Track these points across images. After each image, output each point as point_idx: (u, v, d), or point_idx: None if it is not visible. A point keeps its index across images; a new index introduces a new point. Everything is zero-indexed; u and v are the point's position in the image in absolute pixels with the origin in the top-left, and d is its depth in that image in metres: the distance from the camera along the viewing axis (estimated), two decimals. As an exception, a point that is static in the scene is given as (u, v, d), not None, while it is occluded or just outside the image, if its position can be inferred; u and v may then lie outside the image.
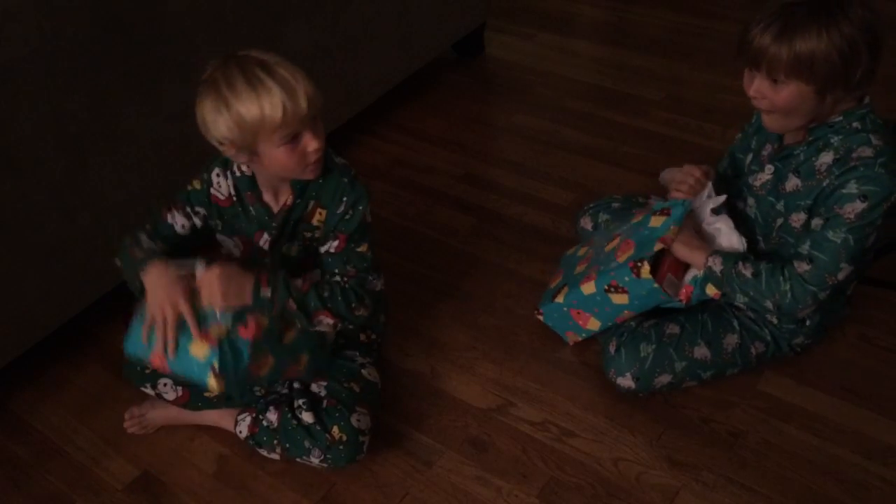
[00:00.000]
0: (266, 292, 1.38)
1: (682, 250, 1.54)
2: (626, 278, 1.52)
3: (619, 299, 1.56)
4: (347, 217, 1.44)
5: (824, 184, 1.39)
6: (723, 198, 1.58)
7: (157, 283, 1.37)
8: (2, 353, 1.67)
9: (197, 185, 1.49)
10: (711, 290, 1.53)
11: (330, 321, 1.44)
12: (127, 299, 1.95)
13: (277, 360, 1.42)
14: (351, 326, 1.53)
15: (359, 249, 1.46)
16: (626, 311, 1.58)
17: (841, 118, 1.38)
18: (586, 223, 1.86)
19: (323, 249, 1.48)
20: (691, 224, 1.57)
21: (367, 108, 2.41)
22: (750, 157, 1.59)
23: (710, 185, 1.61)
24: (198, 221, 1.52)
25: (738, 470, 1.51)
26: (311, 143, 1.34)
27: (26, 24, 1.45)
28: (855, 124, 1.37)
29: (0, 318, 1.62)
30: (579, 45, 2.96)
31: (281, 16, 1.97)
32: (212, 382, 1.35)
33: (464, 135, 2.50)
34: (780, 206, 1.49)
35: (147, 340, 1.37)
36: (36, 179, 1.58)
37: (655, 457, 1.55)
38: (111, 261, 1.79)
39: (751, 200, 1.57)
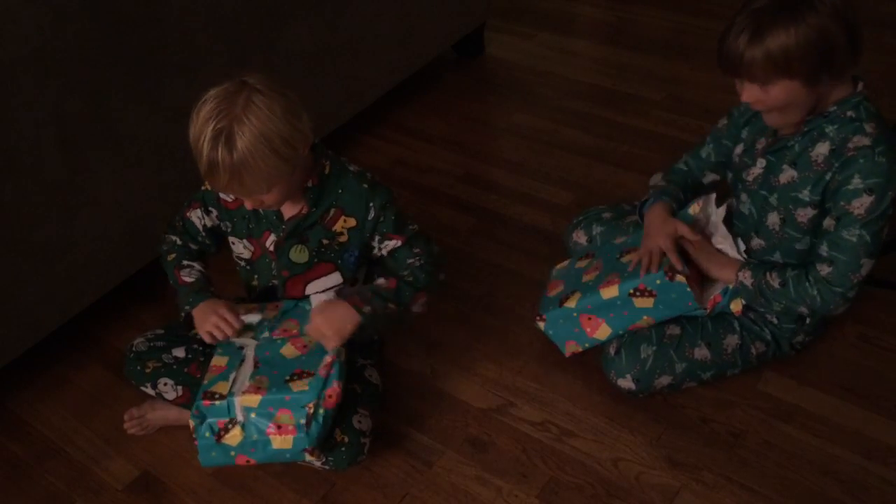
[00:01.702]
0: (366, 308, 1.42)
1: (713, 268, 1.55)
2: (658, 281, 1.51)
3: (643, 303, 1.54)
4: (383, 220, 1.48)
5: (827, 177, 1.39)
6: (723, 211, 1.60)
7: (205, 311, 1.47)
8: (2, 353, 1.67)
9: (209, 185, 1.51)
10: (736, 307, 1.55)
11: (420, 299, 1.51)
12: (126, 299, 1.96)
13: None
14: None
15: (413, 229, 1.52)
16: (645, 317, 1.56)
17: (835, 108, 1.38)
18: (580, 237, 1.83)
19: (386, 251, 1.52)
20: (710, 244, 1.58)
21: (367, 108, 2.41)
22: (741, 148, 1.58)
23: (713, 203, 1.62)
24: (208, 222, 1.54)
25: (738, 470, 1.51)
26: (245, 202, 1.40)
27: (26, 24, 1.45)
28: (849, 113, 1.38)
29: (0, 318, 1.62)
30: (579, 45, 2.96)
31: (281, 16, 1.97)
32: (309, 457, 1.44)
33: (464, 135, 2.50)
34: (772, 199, 1.49)
35: (218, 437, 1.41)
36: (36, 179, 1.58)
37: (655, 457, 1.55)
38: (111, 261, 1.80)
39: (744, 196, 1.57)
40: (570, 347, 1.67)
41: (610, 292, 1.56)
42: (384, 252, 1.53)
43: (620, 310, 1.56)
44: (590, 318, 1.60)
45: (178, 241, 1.57)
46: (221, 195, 1.50)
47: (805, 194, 1.43)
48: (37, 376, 1.81)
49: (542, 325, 1.66)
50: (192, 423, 1.41)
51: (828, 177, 1.39)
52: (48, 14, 1.48)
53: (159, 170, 1.80)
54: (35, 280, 1.65)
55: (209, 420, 1.40)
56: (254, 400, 1.38)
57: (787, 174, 1.45)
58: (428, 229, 2.12)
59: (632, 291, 1.53)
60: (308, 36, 2.07)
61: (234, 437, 1.40)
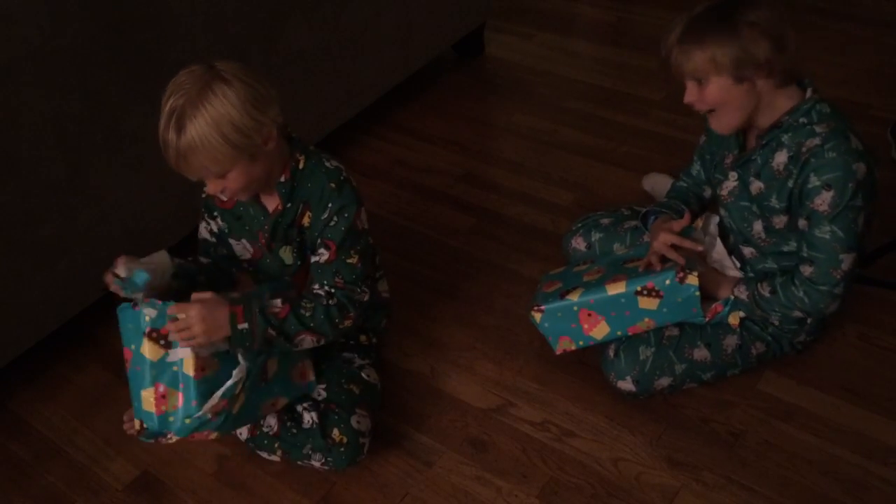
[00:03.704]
0: (243, 325, 1.35)
1: (712, 287, 1.57)
2: (668, 282, 1.51)
3: (648, 304, 1.54)
4: (332, 224, 1.41)
5: (790, 184, 1.42)
6: (716, 229, 1.63)
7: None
8: (2, 353, 1.67)
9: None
10: (734, 320, 1.56)
11: (312, 339, 1.42)
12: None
13: (251, 398, 1.43)
14: (331, 340, 1.47)
15: (349, 261, 1.43)
16: (646, 319, 1.55)
17: (788, 117, 1.42)
18: (579, 243, 1.82)
19: (314, 259, 1.46)
20: (708, 266, 1.60)
21: (367, 108, 2.42)
22: (713, 166, 1.62)
23: (713, 222, 1.64)
24: (214, 227, 1.54)
25: (738, 470, 1.51)
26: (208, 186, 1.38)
27: (26, 24, 1.45)
28: (801, 120, 1.41)
29: (0, 318, 1.62)
30: (579, 45, 2.96)
31: (281, 15, 1.97)
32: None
33: (464, 135, 2.50)
34: (754, 207, 1.52)
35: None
36: (36, 179, 1.58)
37: (655, 457, 1.55)
38: (111, 261, 1.79)
39: (723, 211, 1.60)
40: (563, 344, 1.64)
41: (616, 288, 1.55)
42: (312, 258, 1.46)
43: (623, 308, 1.55)
44: (590, 315, 1.58)
45: (190, 258, 1.55)
46: (216, 196, 1.48)
47: (774, 202, 1.46)
48: (37, 376, 1.81)
49: (538, 316, 1.61)
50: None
51: (790, 184, 1.42)
52: (48, 14, 1.48)
53: (159, 170, 1.79)
54: (35, 280, 1.65)
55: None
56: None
57: (756, 185, 1.49)
58: (428, 229, 2.14)
59: (639, 289, 1.53)
60: (308, 36, 2.07)
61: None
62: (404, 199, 2.26)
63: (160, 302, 1.36)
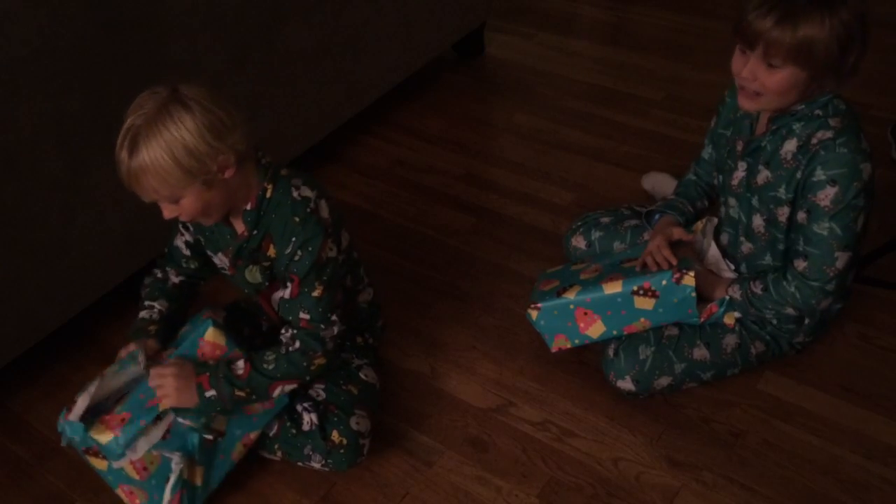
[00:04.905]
0: (210, 393, 1.38)
1: (707, 289, 1.57)
2: (664, 282, 1.51)
3: (643, 304, 1.54)
4: (297, 258, 1.37)
5: (797, 175, 1.40)
6: (714, 221, 1.63)
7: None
8: (2, 353, 1.67)
9: None
10: (729, 320, 1.56)
11: (289, 386, 1.43)
12: (126, 299, 1.96)
13: (212, 462, 1.48)
14: (311, 379, 1.48)
15: (313, 294, 1.39)
16: (641, 319, 1.55)
17: (803, 106, 1.39)
18: (579, 242, 1.82)
19: (278, 295, 1.44)
20: (704, 267, 1.60)
21: (367, 108, 2.42)
22: (725, 153, 1.60)
23: (713, 226, 1.64)
24: (189, 237, 1.53)
25: (738, 470, 1.51)
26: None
27: (26, 24, 1.45)
28: (817, 111, 1.39)
29: (0, 318, 1.62)
30: (579, 45, 2.96)
31: (281, 15, 1.97)
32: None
33: (464, 135, 2.50)
34: (754, 201, 1.51)
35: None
36: (36, 179, 1.58)
37: (655, 457, 1.55)
38: (111, 261, 1.80)
39: (732, 200, 1.58)
40: (559, 342, 1.64)
41: (613, 287, 1.55)
42: (276, 296, 1.46)
43: (619, 308, 1.55)
44: (586, 313, 1.58)
45: (159, 275, 1.57)
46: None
47: (781, 192, 1.44)
48: (37, 376, 1.81)
49: (534, 314, 1.61)
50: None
51: (798, 174, 1.40)
52: (48, 14, 1.48)
53: (159, 170, 1.80)
54: (35, 280, 1.65)
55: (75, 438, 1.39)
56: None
57: (763, 175, 1.47)
58: (428, 229, 2.14)
59: (635, 289, 1.53)
60: (308, 36, 2.07)
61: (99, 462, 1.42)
62: (404, 199, 2.26)
63: (80, 424, 1.38)
